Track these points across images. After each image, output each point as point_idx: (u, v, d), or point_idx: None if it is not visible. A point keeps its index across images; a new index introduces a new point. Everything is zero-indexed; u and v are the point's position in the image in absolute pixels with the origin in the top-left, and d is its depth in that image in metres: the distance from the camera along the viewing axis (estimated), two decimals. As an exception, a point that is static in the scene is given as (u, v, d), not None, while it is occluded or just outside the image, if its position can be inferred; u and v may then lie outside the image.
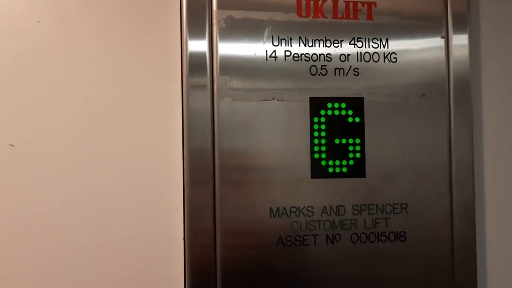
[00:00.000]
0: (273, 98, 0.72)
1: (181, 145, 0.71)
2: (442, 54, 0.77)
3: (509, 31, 0.83)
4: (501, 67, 0.82)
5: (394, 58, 0.76)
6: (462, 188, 0.77)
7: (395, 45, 0.76)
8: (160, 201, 0.71)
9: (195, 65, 0.71)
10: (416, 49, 0.77)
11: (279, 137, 0.72)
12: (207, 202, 0.70)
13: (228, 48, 0.71)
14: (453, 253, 0.76)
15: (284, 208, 0.72)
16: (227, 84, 0.71)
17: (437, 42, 0.77)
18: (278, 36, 0.73)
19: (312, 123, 0.73)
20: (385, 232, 0.75)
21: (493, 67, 0.82)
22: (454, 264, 0.76)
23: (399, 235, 0.75)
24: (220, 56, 0.71)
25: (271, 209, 0.72)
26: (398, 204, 0.75)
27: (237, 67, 0.72)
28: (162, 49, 0.72)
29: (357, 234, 0.74)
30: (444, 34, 0.78)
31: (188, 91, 0.70)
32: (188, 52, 0.71)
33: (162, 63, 0.72)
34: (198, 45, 0.71)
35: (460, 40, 0.78)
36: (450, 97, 0.77)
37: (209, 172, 0.70)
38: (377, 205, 0.75)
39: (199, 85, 0.71)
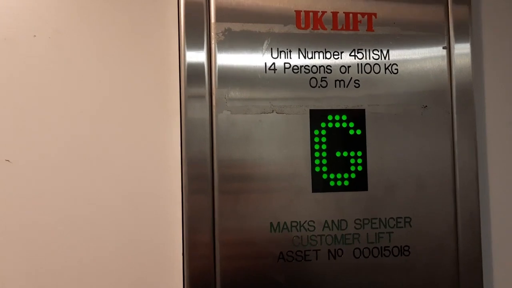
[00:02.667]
0: (273, 111, 0.72)
1: (180, 155, 0.70)
2: (444, 63, 0.76)
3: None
4: (504, 76, 0.82)
5: (395, 69, 0.75)
6: (467, 199, 0.76)
7: (396, 55, 0.75)
8: (159, 211, 0.70)
9: (194, 76, 0.70)
10: (418, 59, 0.76)
11: (279, 150, 0.71)
12: (205, 212, 0.69)
13: (227, 60, 0.71)
14: (458, 266, 0.75)
15: (285, 223, 0.71)
16: (226, 96, 0.70)
17: (438, 52, 0.76)
18: (277, 48, 0.72)
19: (312, 135, 0.72)
20: (388, 247, 0.73)
21: (495, 75, 0.81)
22: (460, 277, 0.75)
23: (403, 250, 0.74)
24: (218, 68, 0.70)
25: (271, 224, 0.71)
26: (402, 217, 0.74)
27: (235, 79, 0.71)
28: (160, 60, 0.71)
29: (359, 249, 0.73)
30: (445, 44, 0.77)
31: (186, 101, 0.70)
32: (186, 63, 0.70)
33: (160, 74, 0.71)
34: (196, 57, 0.70)
35: (462, 49, 0.77)
36: (452, 107, 0.76)
37: (207, 182, 0.69)
38: (380, 219, 0.73)
39: (198, 95, 0.70)
